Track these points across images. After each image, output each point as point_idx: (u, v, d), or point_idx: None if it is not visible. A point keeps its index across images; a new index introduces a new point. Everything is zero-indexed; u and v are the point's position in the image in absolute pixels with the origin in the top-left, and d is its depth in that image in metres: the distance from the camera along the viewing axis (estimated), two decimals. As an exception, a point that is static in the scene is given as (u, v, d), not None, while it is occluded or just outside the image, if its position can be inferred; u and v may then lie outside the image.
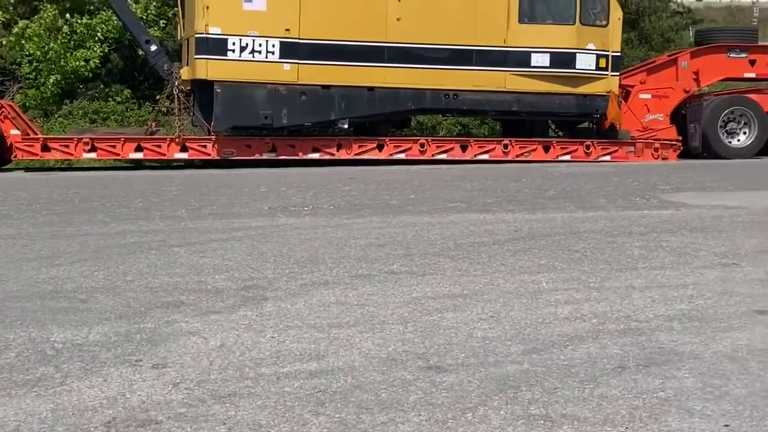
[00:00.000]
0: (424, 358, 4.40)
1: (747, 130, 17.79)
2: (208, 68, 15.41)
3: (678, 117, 17.99)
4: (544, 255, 7.00)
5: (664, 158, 17.26)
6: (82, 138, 15.74)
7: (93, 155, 15.79)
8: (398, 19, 15.96)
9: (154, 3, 21.47)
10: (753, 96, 18.12)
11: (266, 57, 15.54)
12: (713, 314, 5.20)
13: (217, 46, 15.38)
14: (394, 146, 16.56)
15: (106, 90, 21.27)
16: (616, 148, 17.20)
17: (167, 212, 9.36)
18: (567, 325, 4.99)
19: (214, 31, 15.36)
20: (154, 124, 17.16)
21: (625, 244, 7.44)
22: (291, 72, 15.65)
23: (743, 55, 18.23)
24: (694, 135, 17.65)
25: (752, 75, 18.50)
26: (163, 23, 21.58)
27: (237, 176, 13.49)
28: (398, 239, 7.74)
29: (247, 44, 15.45)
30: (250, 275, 6.33)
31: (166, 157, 16.19)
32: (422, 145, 16.58)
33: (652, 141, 17.32)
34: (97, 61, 20.54)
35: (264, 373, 4.18)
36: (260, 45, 15.51)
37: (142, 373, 4.17)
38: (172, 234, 7.99)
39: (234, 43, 15.42)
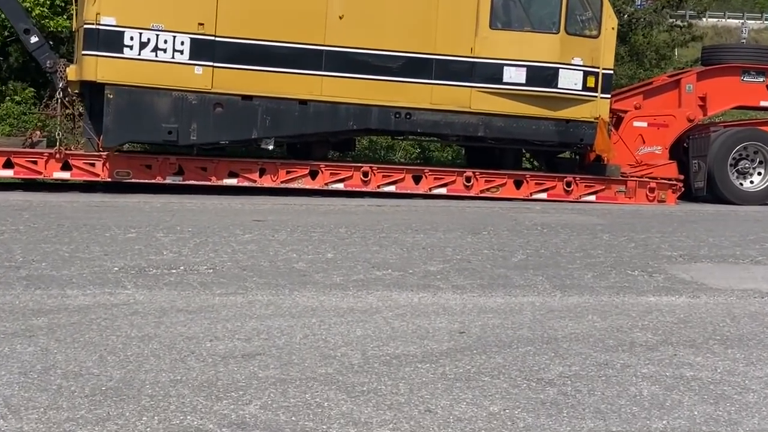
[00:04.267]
0: None
1: (762, 171, 15.62)
2: (97, 68, 13.00)
3: (679, 151, 15.78)
4: (499, 391, 4.64)
5: (661, 201, 15.08)
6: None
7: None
8: (341, 18, 13.63)
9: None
10: (770, 129, 15.95)
11: (173, 57, 13.17)
12: None
13: (110, 41, 12.97)
14: (331, 174, 14.17)
15: (2, 88, 18.79)
16: (603, 186, 14.99)
17: (-33, 272, 6.91)
18: None
19: (107, 21, 12.96)
20: (38, 133, 14.64)
21: (627, 369, 5.09)
22: (204, 77, 13.28)
23: (761, 80, 16.05)
24: (698, 174, 15.50)
25: (771, 104, 16.35)
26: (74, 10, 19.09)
27: (114, 209, 11.03)
28: (278, 343, 5.36)
29: (149, 40, 13.08)
30: (-10, 427, 3.91)
31: (43, 176, 13.67)
32: (365, 174, 14.21)
33: (647, 179, 15.10)
34: (-13, 52, 18.13)
35: None
36: (166, 42, 13.14)
37: None
38: (-66, 320, 5.55)
39: (132, 38, 13.03)
